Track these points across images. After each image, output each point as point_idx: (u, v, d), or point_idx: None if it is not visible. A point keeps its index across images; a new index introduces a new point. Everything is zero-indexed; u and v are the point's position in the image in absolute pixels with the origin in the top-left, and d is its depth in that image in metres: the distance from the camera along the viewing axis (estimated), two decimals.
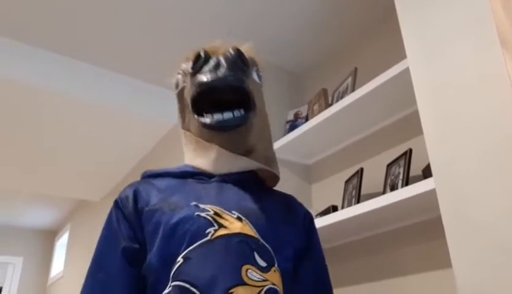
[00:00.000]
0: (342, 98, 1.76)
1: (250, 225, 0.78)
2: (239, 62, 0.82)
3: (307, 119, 1.98)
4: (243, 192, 0.84)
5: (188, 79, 0.87)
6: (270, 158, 0.95)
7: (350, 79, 1.80)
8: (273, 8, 1.94)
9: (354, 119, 1.76)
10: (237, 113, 0.81)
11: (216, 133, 0.84)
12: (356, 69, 1.81)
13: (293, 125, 2.03)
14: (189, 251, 0.73)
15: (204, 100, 0.82)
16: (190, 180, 0.86)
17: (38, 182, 3.57)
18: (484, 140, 1.02)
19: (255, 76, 0.91)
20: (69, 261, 4.54)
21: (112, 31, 2.07)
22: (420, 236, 1.53)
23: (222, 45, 0.91)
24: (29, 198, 4.50)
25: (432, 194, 1.20)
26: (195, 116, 0.83)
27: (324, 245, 1.85)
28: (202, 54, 0.82)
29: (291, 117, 2.10)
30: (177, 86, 0.92)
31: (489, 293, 0.95)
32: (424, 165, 1.44)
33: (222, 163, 0.86)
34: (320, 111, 1.83)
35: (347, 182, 1.75)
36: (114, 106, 2.40)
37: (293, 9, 1.95)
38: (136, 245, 0.79)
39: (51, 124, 2.61)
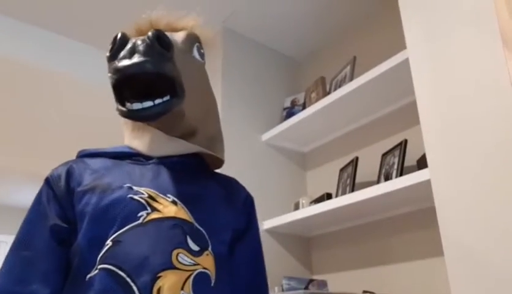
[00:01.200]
0: (340, 87, 1.76)
1: (185, 209, 0.76)
2: (157, 46, 0.73)
3: (304, 106, 1.98)
4: (181, 175, 0.82)
5: None
6: (214, 139, 0.91)
7: (348, 68, 1.80)
8: None
9: (352, 108, 1.77)
10: (158, 101, 0.75)
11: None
12: (354, 58, 1.81)
13: (290, 112, 2.04)
14: (119, 234, 0.71)
15: (130, 86, 0.76)
16: (127, 161, 0.83)
17: (33, 160, 3.56)
18: (482, 133, 1.03)
19: (195, 54, 0.87)
20: None
21: (113, 12, 2.04)
22: (413, 225, 1.56)
23: (157, 21, 0.87)
24: (19, 176, 4.48)
25: (426, 184, 1.21)
26: (117, 104, 0.77)
27: (318, 231, 1.90)
28: (118, 36, 0.75)
29: (288, 104, 2.10)
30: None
31: (480, 282, 0.97)
32: (418, 156, 1.45)
33: (158, 145, 0.83)
34: (317, 100, 1.83)
35: (342, 170, 1.77)
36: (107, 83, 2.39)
37: None
38: (66, 225, 0.76)
39: (47, 103, 2.59)
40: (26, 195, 5.11)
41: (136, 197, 0.75)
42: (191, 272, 0.71)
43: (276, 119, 2.08)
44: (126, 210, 0.73)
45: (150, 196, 0.75)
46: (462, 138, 1.07)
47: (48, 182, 0.81)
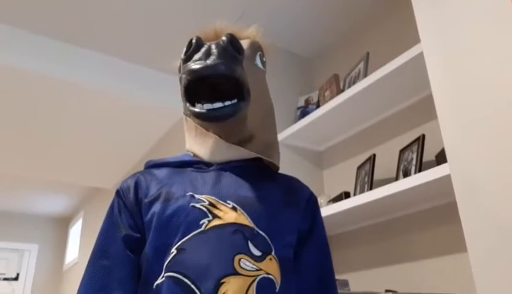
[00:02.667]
0: (354, 83, 1.74)
1: (245, 214, 0.77)
2: (231, 50, 0.78)
3: (318, 105, 1.97)
4: (241, 180, 0.83)
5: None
6: (270, 146, 0.92)
7: (361, 65, 1.78)
8: None
9: (367, 105, 1.74)
10: (227, 103, 0.79)
11: (208, 123, 0.83)
12: (368, 54, 1.79)
13: (304, 112, 2.03)
14: (183, 242, 0.74)
15: (198, 88, 0.80)
16: (188, 169, 0.86)
17: (52, 170, 3.62)
18: (501, 126, 1.01)
19: (257, 62, 0.89)
20: (83, 247, 4.62)
21: (123, 19, 2.07)
22: (434, 221, 1.53)
23: (222, 30, 0.89)
24: (42, 185, 4.57)
25: (446, 180, 1.19)
26: (187, 104, 0.81)
27: (337, 230, 1.87)
28: (194, 40, 0.79)
29: (302, 103, 2.09)
30: (179, 70, 0.90)
31: (505, 277, 0.94)
32: (437, 151, 1.43)
33: (218, 152, 0.85)
34: (331, 97, 1.82)
35: (359, 168, 1.75)
36: (126, 93, 2.42)
37: None
38: (137, 234, 0.80)
39: (64, 113, 2.63)
40: (47, 204, 5.21)
41: (197, 205, 0.77)
42: (254, 277, 0.72)
43: (290, 118, 2.07)
44: (189, 218, 0.75)
45: (211, 204, 0.77)
46: (481, 131, 1.04)
47: (118, 194, 0.86)
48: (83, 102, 2.49)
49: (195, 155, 0.89)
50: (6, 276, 5.15)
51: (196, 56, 0.77)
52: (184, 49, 0.80)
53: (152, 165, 0.90)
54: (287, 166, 2.02)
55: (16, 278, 5.18)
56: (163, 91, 2.50)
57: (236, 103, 0.79)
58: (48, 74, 2.18)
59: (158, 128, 2.91)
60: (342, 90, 1.81)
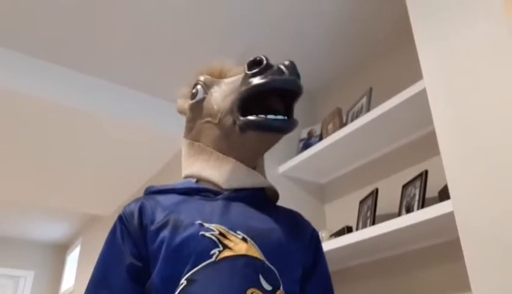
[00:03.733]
0: (356, 118, 1.75)
1: (256, 246, 0.76)
2: (297, 70, 0.81)
3: (321, 138, 1.97)
4: (249, 210, 0.82)
5: (214, 88, 0.88)
6: (264, 173, 0.94)
7: (364, 99, 1.79)
8: (288, 26, 1.96)
9: (369, 139, 1.75)
10: (285, 117, 0.81)
11: (267, 134, 0.82)
12: (371, 89, 1.81)
13: (306, 144, 2.03)
14: (193, 273, 0.72)
15: (252, 102, 0.80)
16: (195, 197, 0.84)
17: (50, 196, 3.60)
18: (504, 163, 1.00)
19: None
20: (80, 275, 4.54)
21: (126, 45, 2.10)
22: (437, 259, 1.50)
23: (230, 68, 0.92)
24: (40, 212, 4.54)
25: (449, 217, 1.18)
26: (240, 117, 0.80)
27: (339, 265, 1.84)
28: (264, 60, 0.80)
29: (304, 135, 2.10)
30: (194, 96, 0.91)
31: None
32: (440, 187, 1.42)
33: (237, 176, 0.84)
34: (334, 130, 1.82)
35: (362, 202, 1.73)
36: (126, 120, 2.42)
37: (308, 28, 1.97)
38: (140, 264, 0.77)
39: (62, 139, 2.63)
40: (44, 231, 5.16)
41: (207, 234, 0.75)
42: None
43: (293, 150, 2.07)
44: (199, 248, 0.74)
45: (221, 233, 0.75)
46: (484, 167, 1.04)
47: (121, 219, 0.83)
48: (82, 128, 2.49)
49: (201, 180, 0.88)
50: None
51: (269, 72, 0.79)
52: (252, 66, 0.81)
53: (154, 191, 0.88)
54: (289, 198, 2.00)
55: None
56: (165, 120, 2.51)
57: (289, 120, 0.81)
58: (45, 98, 2.17)
59: (160, 156, 2.91)
60: (345, 124, 1.82)
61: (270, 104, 0.82)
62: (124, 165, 3.03)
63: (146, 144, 2.71)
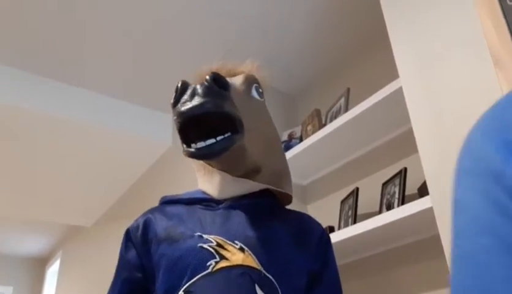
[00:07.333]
0: (335, 118, 1.76)
1: (253, 255, 0.76)
2: (215, 87, 0.77)
3: (301, 139, 1.98)
4: (250, 218, 0.82)
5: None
6: (280, 175, 0.92)
7: (342, 100, 1.81)
8: (268, 33, 1.97)
9: (348, 139, 1.76)
10: (220, 138, 0.78)
11: (206, 161, 0.83)
12: (348, 89, 1.82)
13: (287, 146, 2.03)
14: (190, 284, 0.73)
15: (191, 129, 0.79)
16: (198, 206, 0.86)
17: (28, 207, 3.51)
18: None
19: (254, 93, 0.91)
20: (60, 289, 4.43)
21: (109, 55, 2.07)
22: (419, 256, 1.52)
23: (218, 69, 0.91)
24: (17, 224, 4.42)
25: (429, 212, 1.19)
26: (184, 146, 0.80)
27: None
28: (179, 84, 0.80)
29: (285, 137, 2.10)
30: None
31: None
32: (419, 184, 1.44)
33: (225, 187, 0.86)
34: (313, 132, 1.83)
35: (343, 202, 1.74)
36: (106, 128, 2.39)
37: (287, 33, 1.98)
38: (139, 275, 0.82)
39: (41, 147, 2.58)
40: (22, 244, 5.03)
41: (205, 246, 0.77)
42: None
43: None
44: (196, 259, 0.75)
45: (218, 244, 0.77)
46: None
47: (127, 233, 0.88)
48: (61, 137, 2.45)
49: (205, 193, 0.90)
50: None
51: (183, 99, 0.78)
52: (173, 95, 0.81)
53: (166, 201, 0.92)
54: None
55: None
56: (145, 127, 2.49)
57: (229, 136, 0.78)
58: (23, 107, 2.14)
59: (140, 164, 2.87)
60: (324, 125, 1.83)
61: (213, 125, 0.80)
62: (104, 174, 2.98)
63: (126, 152, 2.67)
